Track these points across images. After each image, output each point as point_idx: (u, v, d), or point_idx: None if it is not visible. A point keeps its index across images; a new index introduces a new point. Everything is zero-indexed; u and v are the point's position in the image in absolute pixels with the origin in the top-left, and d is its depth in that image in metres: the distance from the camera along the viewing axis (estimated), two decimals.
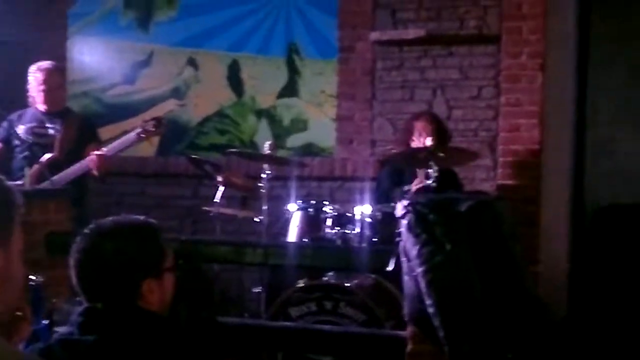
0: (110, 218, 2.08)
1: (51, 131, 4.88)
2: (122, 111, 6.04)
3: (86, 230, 2.05)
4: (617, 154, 5.19)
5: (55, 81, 4.94)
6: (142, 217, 2.14)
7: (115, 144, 4.69)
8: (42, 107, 4.90)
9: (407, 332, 2.96)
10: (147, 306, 2.01)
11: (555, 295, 4.88)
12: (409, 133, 4.77)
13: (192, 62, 5.96)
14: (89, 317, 1.98)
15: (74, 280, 2.03)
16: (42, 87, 4.86)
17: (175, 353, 1.99)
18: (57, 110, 4.94)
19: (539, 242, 5.02)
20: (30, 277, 2.49)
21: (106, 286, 1.98)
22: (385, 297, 4.00)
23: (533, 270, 4.74)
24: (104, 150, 4.64)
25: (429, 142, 4.36)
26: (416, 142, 4.67)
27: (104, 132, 5.78)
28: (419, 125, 4.73)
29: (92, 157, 4.59)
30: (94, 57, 6.13)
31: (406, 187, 4.50)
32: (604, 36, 5.22)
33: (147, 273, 2.01)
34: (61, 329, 2.31)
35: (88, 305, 2.00)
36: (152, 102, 6.01)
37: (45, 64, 4.93)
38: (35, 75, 4.86)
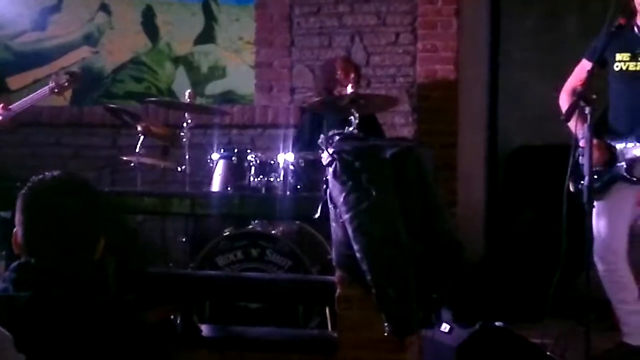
0: (52, 174, 2.04)
1: None
2: (33, 59, 5.84)
3: (34, 186, 2.00)
4: (529, 98, 5.34)
5: None
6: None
7: (26, 99, 4.58)
8: None
9: (336, 277, 3.02)
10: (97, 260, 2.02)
11: (473, 236, 5.05)
12: (331, 78, 4.79)
13: (104, 8, 5.80)
14: (23, 273, 1.96)
15: (23, 237, 1.97)
16: None
17: (108, 306, 2.00)
18: None
19: (457, 185, 5.16)
20: None
21: (68, 243, 1.96)
22: (310, 243, 4.07)
23: (451, 212, 4.89)
24: (13, 105, 4.52)
25: (349, 89, 4.38)
26: (340, 88, 4.72)
27: (15, 81, 5.63)
28: (343, 70, 4.77)
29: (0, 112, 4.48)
30: (0, 2, 5.88)
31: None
32: None
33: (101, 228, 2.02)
34: None
35: (21, 261, 1.98)
36: (64, 50, 5.83)
37: None
38: None
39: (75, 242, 1.97)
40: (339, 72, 4.77)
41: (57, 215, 1.96)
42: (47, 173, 2.02)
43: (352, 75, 4.71)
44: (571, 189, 3.48)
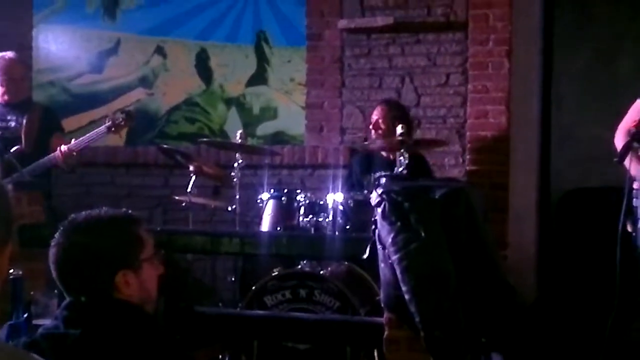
0: (86, 212, 2.09)
1: (12, 123, 4.84)
2: (89, 100, 5.99)
3: (62, 224, 2.06)
4: (582, 139, 5.28)
5: (17, 72, 4.91)
6: (120, 210, 2.16)
7: (84, 138, 4.67)
8: (2, 97, 4.86)
9: (384, 318, 3.00)
10: (126, 298, 2.02)
11: (524, 279, 4.96)
12: (369, 122, 4.89)
13: (160, 51, 5.92)
14: (73, 311, 1.99)
15: (54, 274, 2.04)
16: (3, 78, 4.81)
17: (157, 345, 2.01)
18: (18, 101, 4.90)
19: (508, 226, 5.10)
20: (10, 270, 2.48)
21: (81, 280, 2.00)
22: (359, 283, 4.04)
23: (502, 254, 4.83)
24: (71, 144, 4.62)
25: (399, 130, 4.39)
26: (375, 130, 4.77)
27: (71, 122, 5.75)
28: (376, 112, 4.82)
29: (59, 152, 4.57)
30: (60, 45, 6.06)
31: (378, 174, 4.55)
32: (568, 22, 5.30)
33: (120, 265, 2.02)
34: (43, 322, 2.31)
35: (72, 299, 2.01)
36: (119, 91, 5.97)
37: (7, 54, 4.88)
38: None
39: (86, 279, 2.00)
40: (371, 116, 4.85)
41: (66, 253, 2.01)
42: (84, 212, 2.08)
43: (379, 119, 4.74)
44: (629, 229, 3.41)
